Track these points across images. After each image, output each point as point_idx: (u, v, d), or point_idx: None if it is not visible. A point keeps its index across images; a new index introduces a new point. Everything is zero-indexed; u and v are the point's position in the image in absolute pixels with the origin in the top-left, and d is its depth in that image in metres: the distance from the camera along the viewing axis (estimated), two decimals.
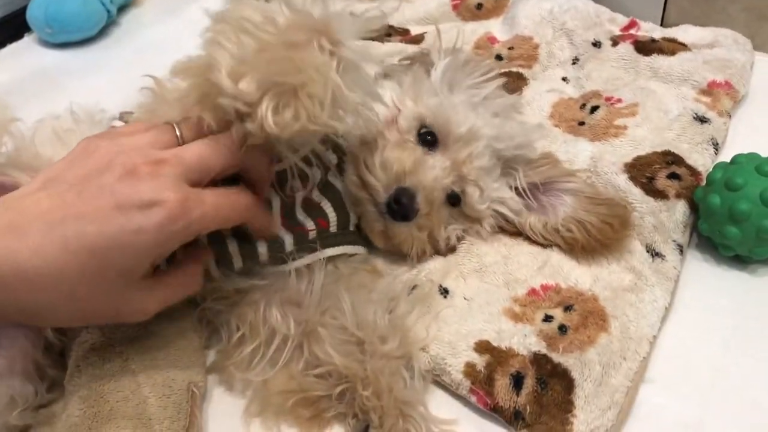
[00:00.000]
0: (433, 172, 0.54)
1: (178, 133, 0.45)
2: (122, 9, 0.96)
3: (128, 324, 0.51)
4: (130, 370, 0.50)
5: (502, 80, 0.61)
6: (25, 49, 0.92)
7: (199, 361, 0.52)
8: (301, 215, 0.53)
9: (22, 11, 0.92)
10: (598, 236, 0.56)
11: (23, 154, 0.55)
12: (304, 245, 0.53)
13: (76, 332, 0.51)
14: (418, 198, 0.53)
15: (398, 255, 0.56)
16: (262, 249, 0.52)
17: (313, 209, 0.54)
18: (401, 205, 0.52)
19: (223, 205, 0.45)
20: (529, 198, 0.58)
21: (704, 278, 0.56)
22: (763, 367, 0.50)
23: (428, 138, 0.56)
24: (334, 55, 0.43)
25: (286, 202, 0.52)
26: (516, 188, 0.58)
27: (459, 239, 0.58)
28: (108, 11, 0.92)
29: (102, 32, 0.93)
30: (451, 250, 0.58)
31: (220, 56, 0.42)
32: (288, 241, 0.53)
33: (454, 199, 0.56)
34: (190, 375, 0.51)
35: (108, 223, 0.40)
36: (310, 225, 0.53)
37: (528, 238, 0.58)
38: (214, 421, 0.50)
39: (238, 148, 0.45)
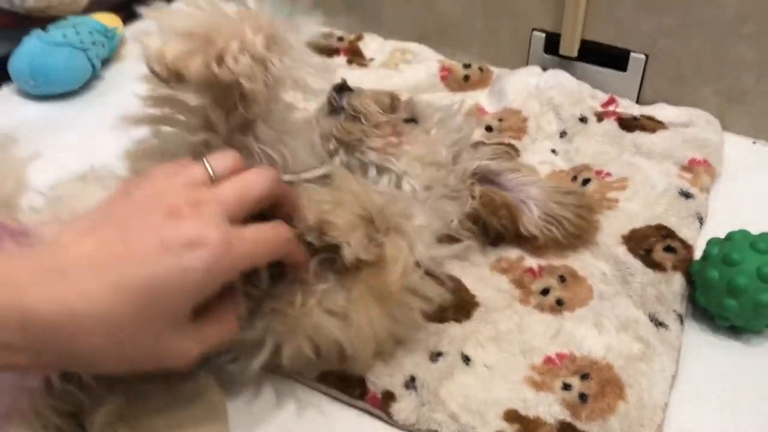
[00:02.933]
0: None
1: (210, 170, 0.46)
2: (104, 63, 0.96)
3: (153, 388, 0.51)
4: None
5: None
6: (4, 99, 0.91)
7: (223, 417, 0.52)
8: None
9: (2, 60, 0.90)
10: (575, 231, 0.60)
11: (60, 210, 0.54)
12: None
13: (93, 389, 0.50)
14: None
15: None
16: None
17: None
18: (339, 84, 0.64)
19: (263, 241, 0.46)
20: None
21: (702, 347, 0.59)
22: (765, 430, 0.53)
23: None
24: (260, 31, 0.47)
25: None
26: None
27: None
28: (93, 66, 0.92)
29: (85, 85, 0.92)
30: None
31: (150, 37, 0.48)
32: None
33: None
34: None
35: (155, 264, 0.41)
36: None
37: (539, 306, 0.61)
38: None
39: (274, 182, 0.47)
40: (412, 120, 0.66)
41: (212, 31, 0.46)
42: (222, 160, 0.46)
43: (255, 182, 0.45)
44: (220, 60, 0.46)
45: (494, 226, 0.65)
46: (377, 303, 0.50)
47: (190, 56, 0.46)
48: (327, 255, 0.51)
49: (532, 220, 0.63)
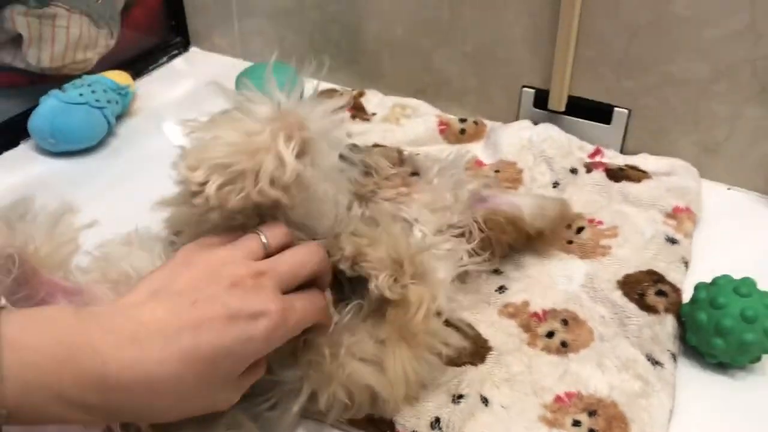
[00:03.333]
0: None
1: (264, 240, 0.51)
2: (118, 119, 1.00)
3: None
4: None
5: None
6: (22, 156, 0.95)
7: None
8: None
9: (19, 118, 0.94)
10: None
11: (109, 270, 0.58)
12: None
13: None
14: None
15: None
16: None
17: None
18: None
19: (309, 310, 0.51)
20: None
21: (693, 383, 0.65)
22: None
23: None
24: (292, 138, 0.50)
25: None
26: None
27: None
28: (108, 123, 0.96)
29: (100, 142, 0.97)
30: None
31: (186, 151, 0.50)
32: None
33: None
34: None
35: (222, 334, 0.45)
36: None
37: (545, 349, 0.67)
38: None
39: (323, 261, 0.52)
40: (415, 173, 0.72)
41: (247, 159, 0.49)
42: (275, 233, 0.51)
43: (308, 259, 0.51)
44: (256, 184, 0.49)
45: (504, 244, 0.72)
46: (405, 344, 0.56)
47: (229, 193, 0.48)
48: (356, 302, 0.56)
49: (531, 217, 0.71)
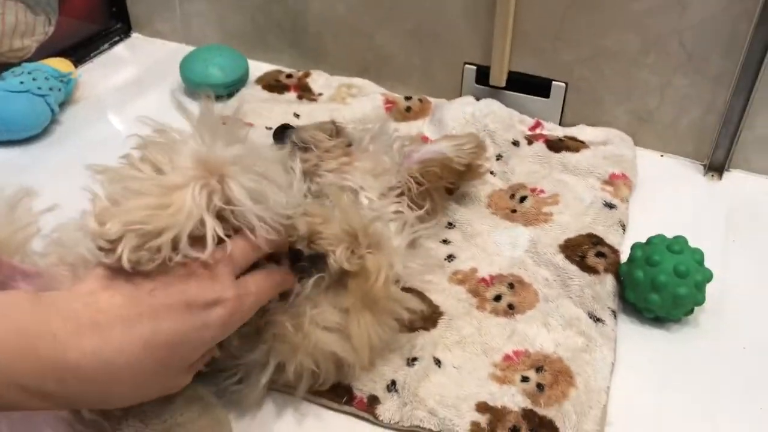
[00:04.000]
0: None
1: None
2: (61, 106, 0.99)
3: (165, 410, 0.56)
4: None
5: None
6: None
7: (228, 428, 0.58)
8: None
9: None
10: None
11: (65, 254, 0.58)
12: None
13: (115, 421, 0.55)
14: None
15: None
16: None
17: None
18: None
19: (264, 289, 0.53)
20: None
21: (633, 337, 0.69)
22: (692, 403, 0.63)
23: None
24: (215, 192, 0.48)
25: None
26: None
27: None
28: (52, 110, 0.95)
29: (44, 130, 0.95)
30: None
31: (96, 202, 0.48)
32: None
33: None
34: None
35: (180, 321, 0.46)
36: None
37: (494, 311, 0.70)
38: None
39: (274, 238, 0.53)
40: (349, 144, 0.75)
41: (164, 218, 0.46)
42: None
43: (261, 242, 0.51)
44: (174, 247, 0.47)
45: (441, 190, 0.77)
46: (368, 311, 0.58)
47: (144, 257, 0.46)
48: (316, 275, 0.58)
49: (455, 156, 0.75)
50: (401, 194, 0.72)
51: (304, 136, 0.74)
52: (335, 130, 0.76)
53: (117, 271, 0.47)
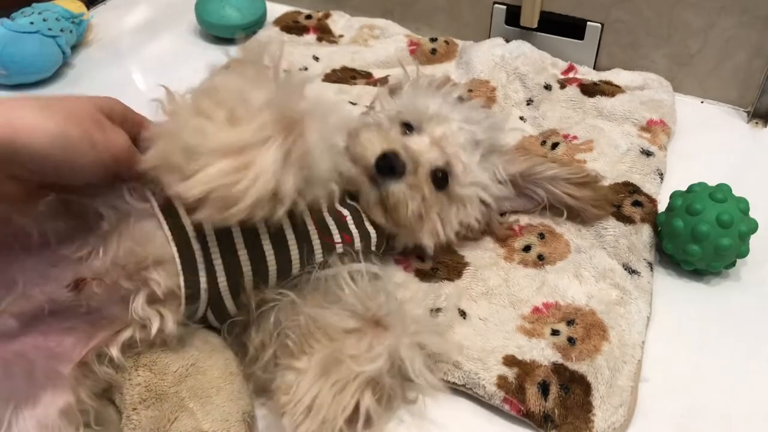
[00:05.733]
0: (414, 143, 0.61)
1: None
2: (73, 49, 0.96)
3: (177, 363, 0.54)
4: (187, 408, 0.52)
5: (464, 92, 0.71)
6: None
7: (246, 392, 0.56)
8: (330, 224, 0.58)
9: None
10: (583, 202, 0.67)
11: None
12: (331, 258, 0.58)
13: (126, 372, 0.53)
14: (402, 155, 0.59)
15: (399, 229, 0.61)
16: (294, 253, 0.56)
17: (339, 222, 0.59)
18: (387, 159, 0.58)
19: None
20: (510, 187, 0.66)
21: (671, 290, 0.66)
22: (731, 360, 0.60)
23: (405, 127, 0.64)
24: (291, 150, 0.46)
25: (313, 208, 0.57)
26: (497, 180, 0.66)
27: (456, 234, 0.64)
28: (63, 52, 0.92)
29: (56, 73, 0.92)
30: (448, 246, 0.65)
31: (180, 135, 0.46)
32: (318, 249, 0.57)
33: (440, 181, 0.62)
34: (242, 406, 0.54)
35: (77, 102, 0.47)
36: (337, 238, 0.58)
37: (522, 262, 0.66)
38: None
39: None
40: (441, 180, 0.62)
41: (243, 180, 0.45)
42: None
43: None
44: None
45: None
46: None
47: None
48: None
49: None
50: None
51: (392, 201, 0.60)
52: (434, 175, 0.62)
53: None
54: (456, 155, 0.62)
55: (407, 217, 0.60)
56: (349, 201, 0.61)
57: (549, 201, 0.68)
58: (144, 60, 0.98)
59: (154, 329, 0.52)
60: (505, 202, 0.68)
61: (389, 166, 0.58)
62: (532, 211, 0.69)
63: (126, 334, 0.53)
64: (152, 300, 0.52)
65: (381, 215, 0.60)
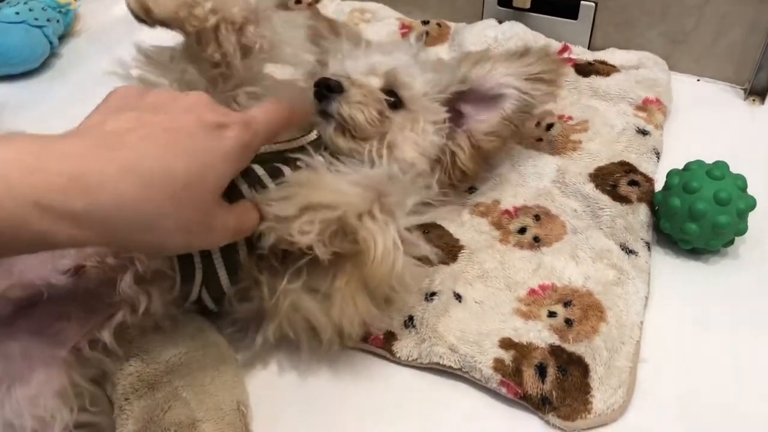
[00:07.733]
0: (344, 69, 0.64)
1: None
2: (61, 39, 0.94)
3: (166, 350, 0.53)
4: (180, 397, 0.52)
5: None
6: None
7: (241, 381, 0.55)
8: None
9: None
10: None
11: None
12: None
13: (118, 361, 0.53)
14: (331, 77, 0.61)
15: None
16: None
17: None
18: (320, 84, 0.60)
19: (271, 116, 0.49)
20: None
21: (668, 269, 0.65)
22: (730, 338, 0.59)
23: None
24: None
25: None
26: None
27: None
28: (50, 43, 0.91)
29: (43, 64, 0.91)
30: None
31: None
32: None
33: (394, 102, 0.63)
34: (236, 395, 0.53)
35: (197, 135, 0.43)
36: None
37: (518, 244, 0.65)
38: None
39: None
40: (395, 102, 0.63)
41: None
42: None
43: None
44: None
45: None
46: (365, 294, 0.52)
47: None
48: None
49: (507, 118, 0.66)
50: (438, 161, 0.65)
51: (345, 114, 0.60)
52: (383, 89, 0.63)
53: (121, 105, 0.45)
54: (392, 72, 0.64)
55: (366, 125, 0.60)
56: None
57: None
58: (132, 50, 0.97)
59: (141, 308, 0.51)
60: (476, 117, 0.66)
61: (325, 85, 0.60)
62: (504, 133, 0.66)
63: (118, 318, 0.52)
64: (139, 280, 0.51)
65: (344, 139, 0.60)
